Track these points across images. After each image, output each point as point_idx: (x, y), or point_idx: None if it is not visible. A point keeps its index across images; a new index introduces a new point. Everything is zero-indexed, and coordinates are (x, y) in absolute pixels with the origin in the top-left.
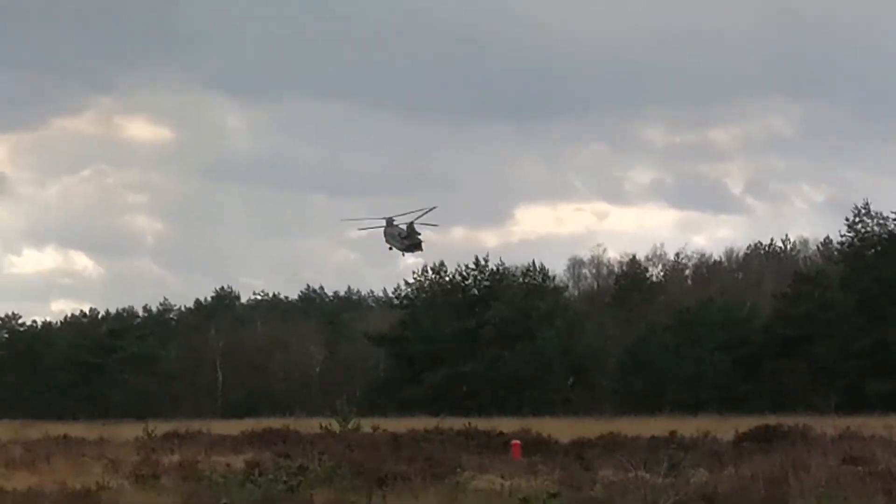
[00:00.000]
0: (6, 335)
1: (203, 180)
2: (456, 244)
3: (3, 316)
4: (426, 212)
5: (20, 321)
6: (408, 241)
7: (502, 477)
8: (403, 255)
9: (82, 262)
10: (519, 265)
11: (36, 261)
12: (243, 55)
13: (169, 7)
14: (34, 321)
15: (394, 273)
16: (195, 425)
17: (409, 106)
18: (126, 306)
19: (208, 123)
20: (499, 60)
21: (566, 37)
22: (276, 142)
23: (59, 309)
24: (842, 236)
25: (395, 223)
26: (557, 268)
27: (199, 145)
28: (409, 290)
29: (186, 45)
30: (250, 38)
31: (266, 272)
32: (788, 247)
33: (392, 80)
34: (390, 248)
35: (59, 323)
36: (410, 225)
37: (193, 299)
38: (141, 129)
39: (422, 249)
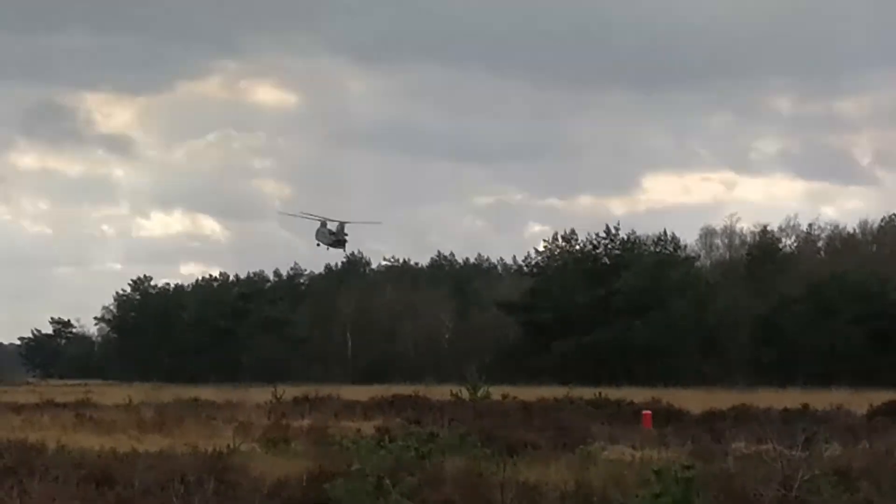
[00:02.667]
0: (138, 297)
1: (328, 146)
2: (582, 212)
3: (135, 279)
4: (372, 223)
5: (152, 284)
6: (334, 237)
7: (633, 447)
8: (328, 249)
9: (210, 225)
10: (649, 234)
11: (164, 224)
12: (369, 20)
13: None
14: (166, 284)
15: (520, 241)
16: (325, 390)
17: (535, 73)
18: (257, 270)
19: (334, 89)
20: (624, 30)
21: (691, 5)
22: (401, 108)
23: (188, 272)
24: None
25: (327, 225)
26: (687, 237)
27: (324, 111)
28: (539, 258)
29: (313, 9)
30: (376, 3)
31: (392, 238)
32: None
33: (518, 47)
34: (318, 245)
35: (190, 286)
36: (341, 225)
37: (323, 264)
38: (267, 94)
39: (344, 248)
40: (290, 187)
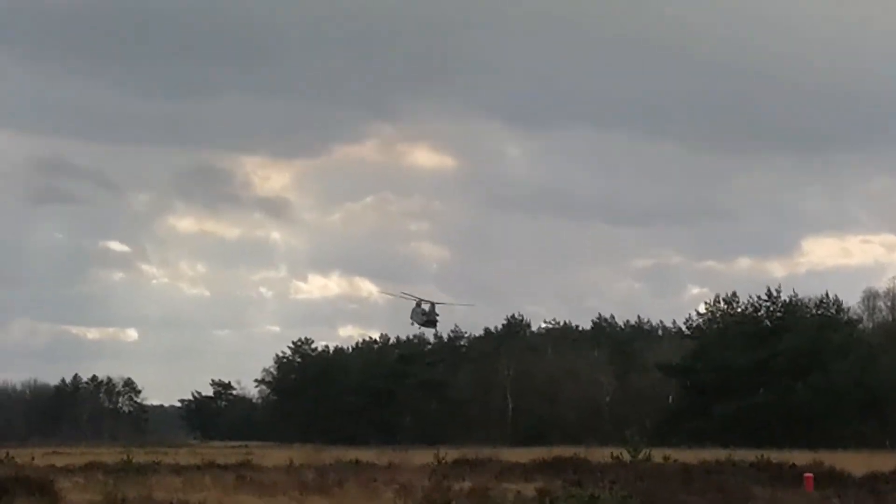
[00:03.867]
0: (299, 359)
1: (484, 208)
2: (742, 274)
3: (295, 341)
4: (465, 304)
5: (312, 346)
6: (426, 317)
7: None
8: (420, 328)
9: (367, 287)
10: (811, 296)
11: (322, 287)
12: (522, 84)
13: (447, 37)
14: (325, 346)
15: (679, 303)
16: (484, 452)
17: (689, 136)
18: (417, 333)
19: (488, 151)
20: (776, 93)
21: (845, 68)
22: (555, 170)
23: (346, 334)
24: None
25: (421, 305)
26: (848, 300)
27: (480, 173)
28: (700, 320)
29: (466, 73)
30: (529, 68)
31: (549, 300)
32: None
33: (670, 110)
34: (412, 324)
35: (350, 348)
36: (433, 306)
37: (480, 326)
38: (423, 157)
39: (435, 327)
40: (446, 250)
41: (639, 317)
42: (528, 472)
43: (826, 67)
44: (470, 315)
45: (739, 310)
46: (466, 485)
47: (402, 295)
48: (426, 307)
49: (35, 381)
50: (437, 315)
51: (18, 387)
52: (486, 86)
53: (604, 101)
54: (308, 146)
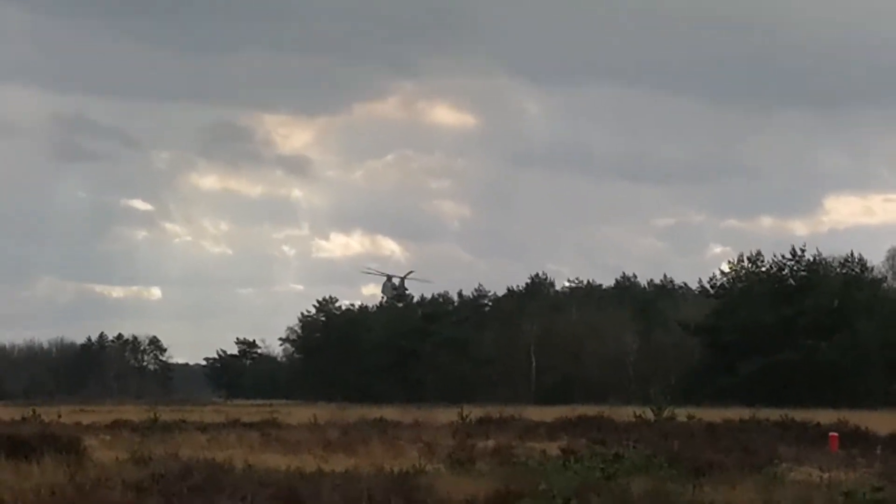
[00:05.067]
0: (323, 318)
1: (505, 166)
2: (764, 233)
3: (320, 299)
4: (424, 280)
5: (336, 304)
6: (396, 291)
7: (820, 469)
8: (385, 301)
9: (389, 246)
10: (835, 255)
11: (344, 245)
12: (544, 42)
13: None
14: (350, 305)
15: (700, 262)
16: (509, 410)
17: (711, 93)
18: (441, 291)
19: (510, 109)
20: (798, 49)
21: (868, 23)
22: (577, 128)
23: (369, 293)
24: None
25: (392, 279)
26: (872, 258)
27: (501, 131)
28: (724, 279)
29: (489, 30)
30: (551, 25)
31: (571, 258)
32: None
33: (692, 67)
34: (383, 297)
35: (373, 307)
36: (402, 281)
37: (502, 285)
38: (444, 115)
39: (405, 300)
40: (467, 207)
41: (665, 275)
42: (553, 430)
43: (849, 23)
44: (492, 273)
45: (764, 269)
46: (490, 443)
47: (371, 271)
48: (396, 282)
49: (61, 339)
50: (407, 289)
51: (45, 345)
52: (507, 43)
53: (625, 57)
54: (329, 104)
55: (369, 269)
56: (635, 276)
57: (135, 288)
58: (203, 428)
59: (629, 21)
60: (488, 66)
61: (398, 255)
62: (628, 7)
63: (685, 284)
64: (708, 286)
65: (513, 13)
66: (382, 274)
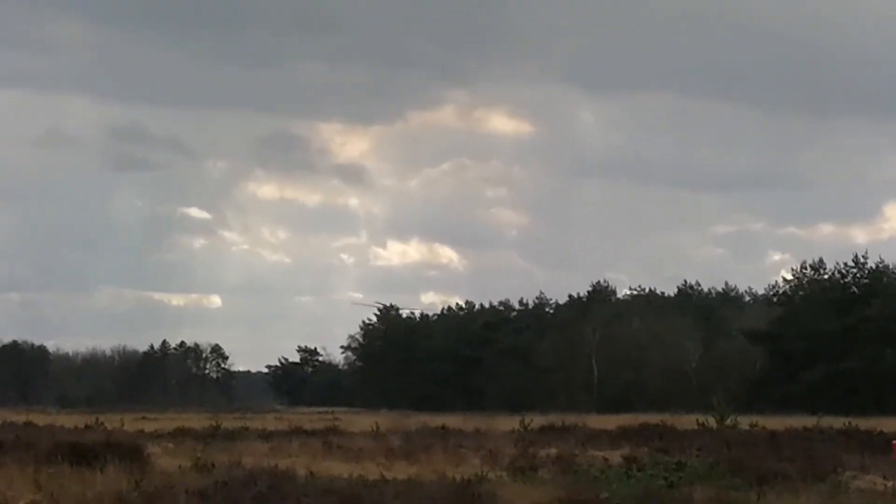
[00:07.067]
0: (383, 327)
1: (562, 174)
2: (823, 240)
3: (381, 308)
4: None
5: (399, 311)
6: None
7: (884, 477)
8: None
9: (447, 254)
10: None
11: (401, 253)
12: (597, 49)
13: (523, 2)
14: (411, 313)
15: (761, 269)
16: (570, 419)
17: (767, 101)
18: (502, 299)
19: (565, 117)
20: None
21: None
22: (632, 136)
23: (428, 301)
24: None
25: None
26: None
27: (557, 139)
28: (786, 286)
29: (543, 38)
30: (603, 32)
31: (630, 267)
32: None
33: (748, 75)
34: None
35: (434, 315)
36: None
37: (562, 293)
38: (501, 123)
39: None
40: (525, 216)
41: (726, 283)
42: (615, 439)
43: None
44: (551, 282)
45: (826, 276)
46: (552, 451)
47: (362, 303)
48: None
49: (124, 347)
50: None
51: (108, 353)
52: (562, 50)
53: (681, 65)
54: (383, 113)
55: (361, 301)
56: (698, 284)
57: (194, 296)
58: (265, 436)
59: (683, 29)
60: (542, 74)
61: (456, 262)
62: (683, 14)
63: (750, 289)
64: (770, 294)
65: (566, 22)
66: (375, 304)
